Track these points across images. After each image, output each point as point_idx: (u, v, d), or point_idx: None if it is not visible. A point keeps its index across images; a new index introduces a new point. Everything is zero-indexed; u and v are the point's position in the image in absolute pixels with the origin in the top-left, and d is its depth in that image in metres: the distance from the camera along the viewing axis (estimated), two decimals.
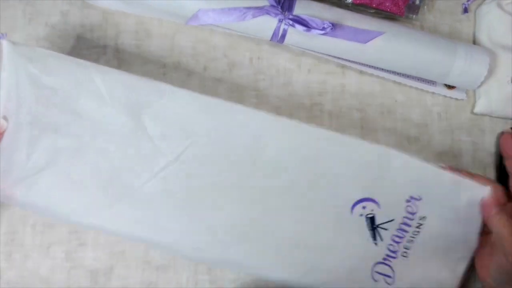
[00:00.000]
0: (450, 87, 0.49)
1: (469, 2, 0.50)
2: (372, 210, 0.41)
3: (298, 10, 0.42)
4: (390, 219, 0.41)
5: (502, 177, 0.47)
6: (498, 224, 0.40)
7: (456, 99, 0.49)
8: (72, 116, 0.38)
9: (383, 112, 0.49)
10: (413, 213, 0.41)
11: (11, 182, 0.37)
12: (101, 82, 0.37)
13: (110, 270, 0.44)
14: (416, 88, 0.49)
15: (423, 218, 0.41)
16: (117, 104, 0.38)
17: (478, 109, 0.49)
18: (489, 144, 0.49)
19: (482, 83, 0.45)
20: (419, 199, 0.41)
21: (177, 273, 0.44)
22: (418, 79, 0.48)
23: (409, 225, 0.41)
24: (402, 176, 0.41)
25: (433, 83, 0.48)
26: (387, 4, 0.47)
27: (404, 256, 0.41)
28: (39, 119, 0.37)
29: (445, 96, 0.49)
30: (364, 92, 0.49)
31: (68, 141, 0.38)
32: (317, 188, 0.40)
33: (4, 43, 0.37)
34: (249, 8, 0.42)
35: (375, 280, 0.41)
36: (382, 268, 0.41)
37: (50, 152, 0.38)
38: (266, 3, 0.42)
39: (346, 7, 0.47)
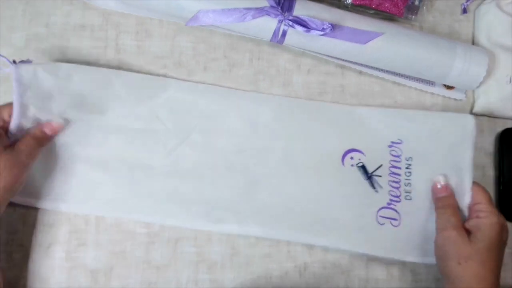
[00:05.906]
0: (449, 87, 0.49)
1: (468, 3, 0.50)
2: (360, 159, 0.45)
3: (298, 11, 0.42)
4: (378, 164, 0.45)
5: (501, 177, 0.47)
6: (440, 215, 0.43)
7: (455, 99, 0.49)
8: (99, 114, 0.44)
9: None
10: (398, 155, 0.45)
11: (31, 191, 0.43)
12: (118, 83, 0.45)
13: (110, 270, 0.44)
14: (416, 89, 0.49)
15: (409, 158, 0.45)
16: (133, 99, 0.45)
17: (477, 109, 0.49)
18: (488, 144, 0.49)
19: (481, 83, 0.45)
20: (400, 142, 0.46)
21: (177, 272, 0.44)
22: (417, 80, 0.48)
23: (398, 167, 0.45)
24: (377, 126, 0.46)
25: (432, 84, 0.49)
26: (386, 5, 0.47)
27: (408, 199, 0.45)
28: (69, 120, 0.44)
29: (444, 97, 0.49)
30: (363, 93, 0.49)
31: (97, 135, 0.44)
32: (308, 150, 0.46)
33: (30, 67, 0.41)
34: (249, 9, 0.42)
35: (381, 224, 0.44)
36: (386, 212, 0.45)
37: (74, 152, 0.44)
38: (266, 4, 0.42)
39: (346, 8, 0.47)
